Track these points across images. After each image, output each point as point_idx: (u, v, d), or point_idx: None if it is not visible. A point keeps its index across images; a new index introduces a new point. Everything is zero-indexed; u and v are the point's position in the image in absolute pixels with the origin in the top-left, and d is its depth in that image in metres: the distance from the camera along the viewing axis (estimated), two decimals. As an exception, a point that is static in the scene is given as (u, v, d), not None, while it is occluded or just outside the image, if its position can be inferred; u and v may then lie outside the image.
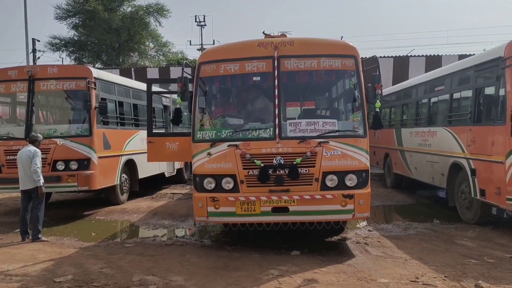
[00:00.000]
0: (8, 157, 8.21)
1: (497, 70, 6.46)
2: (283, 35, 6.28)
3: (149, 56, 36.77)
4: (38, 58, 29.69)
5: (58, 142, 8.23)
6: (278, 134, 5.50)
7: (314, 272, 4.92)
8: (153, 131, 7.35)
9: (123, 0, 34.02)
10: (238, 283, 4.62)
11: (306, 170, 5.47)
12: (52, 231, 7.59)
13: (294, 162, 5.41)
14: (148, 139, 6.98)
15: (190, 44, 38.82)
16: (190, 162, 6.05)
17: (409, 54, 19.44)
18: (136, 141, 10.22)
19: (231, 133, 5.71)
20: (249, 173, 5.50)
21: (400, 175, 11.02)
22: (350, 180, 5.48)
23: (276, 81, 5.61)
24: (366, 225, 7.52)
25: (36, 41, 29.49)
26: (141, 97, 10.59)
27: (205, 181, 5.63)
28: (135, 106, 10.57)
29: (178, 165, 12.78)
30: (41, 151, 6.92)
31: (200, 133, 5.83)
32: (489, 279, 4.65)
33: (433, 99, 9.17)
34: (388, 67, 18.44)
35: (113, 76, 10.06)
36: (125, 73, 19.95)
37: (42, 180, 6.63)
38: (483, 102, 6.80)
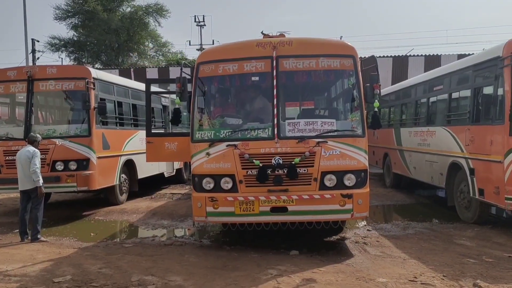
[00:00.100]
0: (7, 158, 8.21)
1: (495, 69, 6.47)
2: (282, 35, 6.29)
3: (148, 57, 36.77)
4: (38, 58, 29.76)
5: (57, 143, 8.24)
6: (277, 134, 5.51)
7: (312, 272, 4.93)
8: (152, 131, 7.36)
9: (122, 1, 34.02)
10: (237, 283, 4.62)
11: (304, 170, 5.47)
12: (51, 231, 7.59)
13: (293, 162, 5.41)
14: (147, 139, 6.98)
15: (190, 44, 39.04)
16: (189, 162, 6.06)
17: (408, 54, 19.44)
18: (135, 141, 10.23)
19: (229, 133, 5.71)
20: (248, 173, 5.51)
21: (399, 174, 11.02)
22: (349, 180, 5.49)
23: (274, 81, 5.62)
24: (365, 225, 7.53)
25: (36, 42, 29.55)
26: (140, 97, 10.60)
27: (204, 181, 5.64)
28: (134, 106, 10.58)
29: (177, 165, 12.79)
30: (40, 152, 6.93)
31: (199, 133, 5.83)
32: (487, 278, 4.66)
33: (432, 99, 9.18)
34: (387, 66, 18.44)
35: (112, 77, 10.06)
36: (124, 73, 19.95)
37: (41, 181, 6.63)
38: (482, 101, 6.80)
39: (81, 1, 32.50)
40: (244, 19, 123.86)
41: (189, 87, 5.98)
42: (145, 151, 7.14)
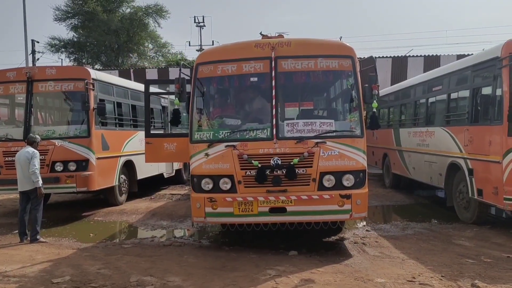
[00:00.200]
0: (6, 159, 8.22)
1: (494, 70, 6.48)
2: (280, 35, 6.29)
3: (148, 57, 36.78)
4: (38, 59, 29.74)
5: (56, 143, 8.24)
6: (276, 134, 5.52)
7: (311, 272, 4.93)
8: (151, 132, 7.36)
9: (122, 1, 34.05)
10: (235, 283, 4.63)
11: (303, 171, 5.48)
12: (50, 232, 7.60)
13: (292, 163, 5.42)
14: (146, 140, 6.99)
15: (190, 45, 38.97)
16: (189, 163, 6.07)
17: (407, 54, 19.44)
18: (135, 142, 10.24)
19: (228, 134, 5.72)
20: (247, 173, 5.52)
21: (398, 175, 11.03)
22: (347, 180, 5.50)
23: (273, 81, 5.63)
24: (364, 225, 7.53)
25: (36, 43, 29.54)
26: (140, 98, 10.59)
27: (203, 181, 5.65)
28: (133, 107, 10.59)
29: (177, 166, 12.79)
30: (40, 152, 6.93)
31: (197, 134, 5.84)
32: (485, 278, 4.66)
33: (431, 99, 9.19)
34: (387, 67, 18.44)
35: (111, 77, 10.07)
36: (124, 74, 19.94)
37: (40, 181, 6.63)
38: (480, 102, 6.81)
39: (81, 2, 32.54)
40: (244, 19, 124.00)
41: (188, 88, 5.99)
42: (144, 151, 7.14)
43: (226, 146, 5.58)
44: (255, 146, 5.53)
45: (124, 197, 10.06)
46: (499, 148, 6.21)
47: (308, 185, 5.50)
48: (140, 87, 10.58)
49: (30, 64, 24.76)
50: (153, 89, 10.15)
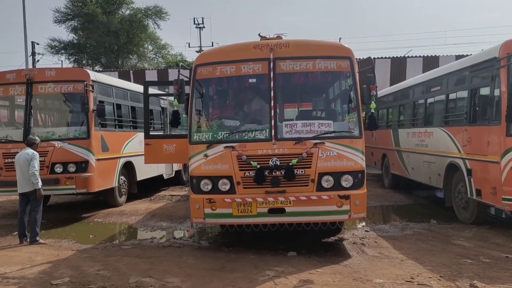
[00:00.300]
0: (6, 160, 8.22)
1: (492, 70, 6.50)
2: (279, 37, 6.32)
3: (148, 59, 36.85)
4: (38, 61, 29.80)
5: (56, 145, 8.25)
6: (274, 135, 5.53)
7: (310, 273, 4.94)
8: (151, 133, 7.37)
9: (122, 3, 34.11)
10: (234, 284, 4.64)
11: (302, 171, 5.49)
12: (50, 233, 7.61)
13: (290, 163, 5.44)
14: (145, 141, 7.00)
15: (189, 47, 39.03)
16: (188, 164, 6.08)
17: (406, 55, 19.49)
18: (134, 143, 10.25)
19: (227, 135, 5.73)
20: (246, 174, 5.53)
21: (397, 175, 11.04)
22: (346, 181, 5.51)
23: (271, 82, 5.64)
24: (363, 226, 7.54)
25: (36, 44, 29.59)
26: (139, 99, 10.59)
27: (202, 182, 5.66)
28: (133, 108, 10.61)
29: (176, 167, 12.80)
30: (39, 154, 6.94)
31: (196, 135, 5.85)
32: (484, 278, 4.67)
33: (430, 100, 9.21)
34: (386, 68, 18.49)
35: (110, 79, 10.10)
36: (124, 75, 19.97)
37: (40, 183, 6.64)
38: (479, 102, 6.83)
39: (81, 4, 32.63)
40: (244, 20, 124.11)
41: (187, 89, 6.01)
42: (144, 153, 7.15)
43: (225, 147, 5.59)
44: (254, 147, 5.54)
45: (123, 198, 10.07)
46: (498, 148, 6.22)
47: (307, 185, 5.51)
48: (140, 88, 10.58)
49: (30, 66, 24.80)
50: (152, 90, 10.18)
